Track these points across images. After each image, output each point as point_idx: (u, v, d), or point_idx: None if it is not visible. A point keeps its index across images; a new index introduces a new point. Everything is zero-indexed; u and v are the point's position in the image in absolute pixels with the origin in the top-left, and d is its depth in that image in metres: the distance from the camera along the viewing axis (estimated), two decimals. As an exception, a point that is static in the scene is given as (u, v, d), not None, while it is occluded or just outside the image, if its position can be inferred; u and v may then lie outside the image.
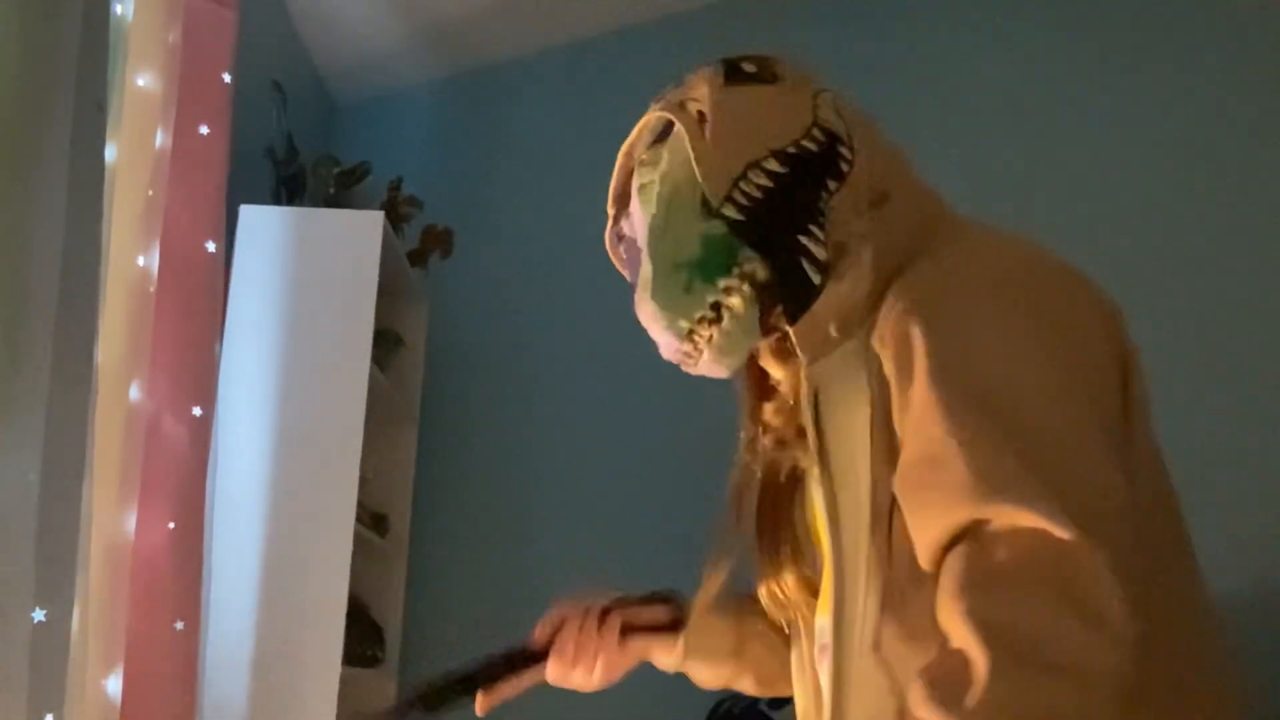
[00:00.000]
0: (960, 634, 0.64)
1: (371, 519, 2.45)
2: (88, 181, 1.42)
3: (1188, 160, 2.63)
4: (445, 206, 2.84)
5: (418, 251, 2.70)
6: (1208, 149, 2.62)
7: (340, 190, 2.48)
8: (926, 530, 0.72)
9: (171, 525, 1.68)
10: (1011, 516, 0.67)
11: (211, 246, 1.80)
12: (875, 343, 0.80)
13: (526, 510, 2.76)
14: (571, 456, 2.74)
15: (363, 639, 2.38)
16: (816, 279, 0.83)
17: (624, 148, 0.98)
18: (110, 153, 1.56)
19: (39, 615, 1.27)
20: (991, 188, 2.77)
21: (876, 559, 0.78)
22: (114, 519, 1.59)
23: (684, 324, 0.87)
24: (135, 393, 1.65)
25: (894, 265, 0.83)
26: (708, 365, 0.89)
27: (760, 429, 0.98)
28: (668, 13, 3.05)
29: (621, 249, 0.99)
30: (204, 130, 1.81)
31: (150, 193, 1.69)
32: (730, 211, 0.84)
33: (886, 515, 0.78)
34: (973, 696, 0.61)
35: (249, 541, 2.07)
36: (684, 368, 0.91)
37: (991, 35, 2.86)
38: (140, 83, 1.70)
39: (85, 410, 1.40)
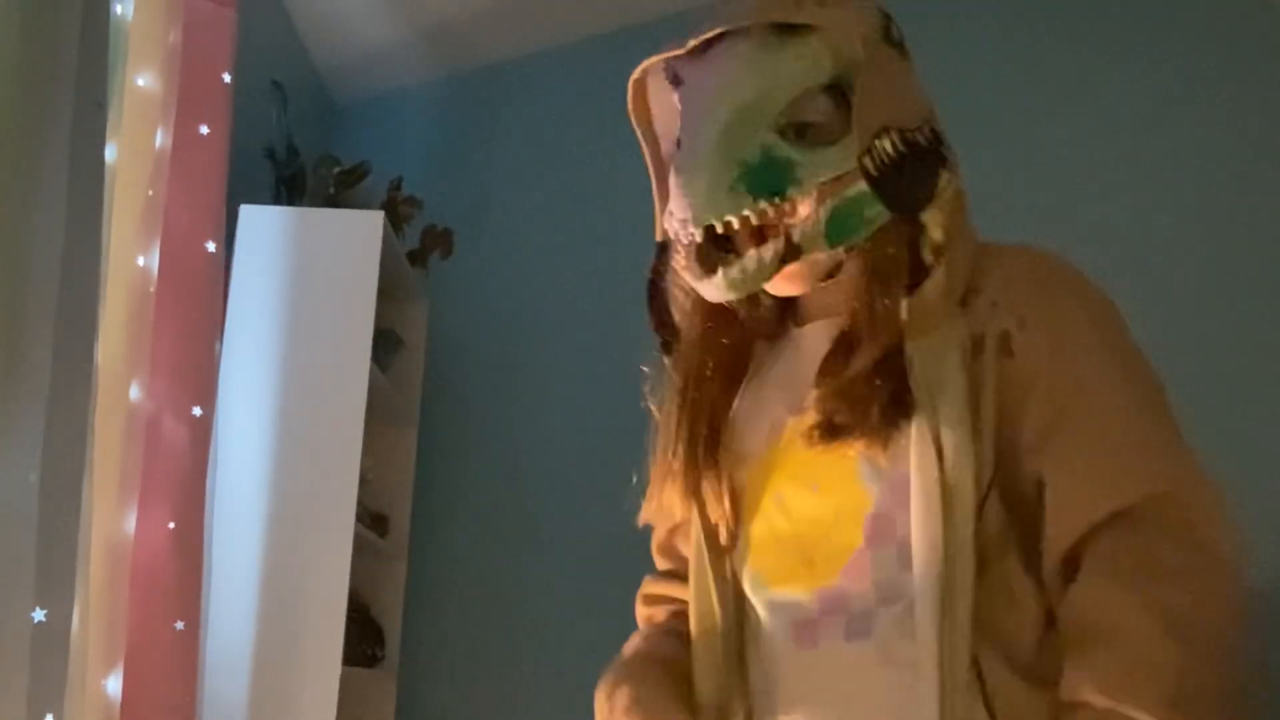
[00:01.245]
0: (1142, 624, 0.73)
1: (371, 519, 2.45)
2: (88, 181, 1.42)
3: (1183, 160, 2.63)
4: (445, 206, 2.84)
5: (418, 251, 2.70)
6: (1204, 148, 2.62)
7: (340, 190, 2.48)
8: (1090, 502, 0.78)
9: (171, 525, 1.68)
10: (1174, 486, 0.79)
11: (211, 246, 1.80)
12: (1007, 322, 0.82)
13: (526, 510, 2.76)
14: (571, 456, 2.74)
15: (363, 639, 2.38)
16: (929, 260, 0.84)
17: None
18: (110, 153, 1.56)
19: (39, 615, 1.27)
20: (989, 186, 2.77)
21: (958, 510, 0.79)
22: (114, 519, 1.59)
23: (707, 212, 0.81)
24: (135, 393, 1.65)
25: (971, 263, 0.87)
26: (716, 291, 0.86)
27: (705, 363, 0.94)
28: (667, 13, 3.05)
29: (673, 92, 0.91)
30: (204, 130, 1.81)
31: (150, 193, 1.69)
32: (867, 163, 0.83)
33: (985, 491, 0.80)
34: (1168, 686, 0.71)
35: (249, 541, 2.07)
36: (679, 267, 0.86)
37: (990, 35, 2.86)
38: (140, 83, 1.70)
39: (85, 410, 1.40)
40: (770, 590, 0.89)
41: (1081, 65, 2.76)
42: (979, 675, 0.75)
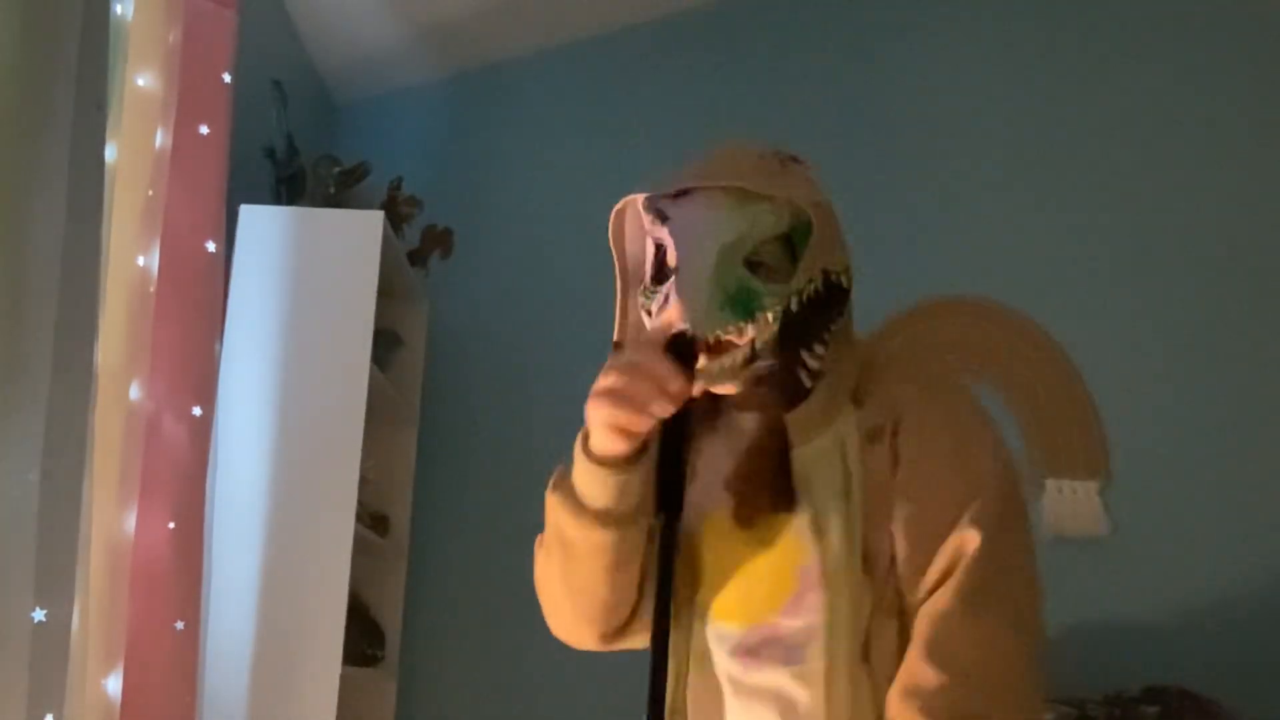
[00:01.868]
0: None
1: (371, 519, 2.45)
2: (88, 181, 1.42)
3: (1183, 162, 2.63)
4: (445, 206, 2.84)
5: (418, 251, 2.70)
6: (1203, 151, 2.62)
7: (340, 190, 2.48)
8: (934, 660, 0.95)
9: (171, 525, 1.68)
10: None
11: (211, 246, 1.80)
12: (880, 420, 1.03)
13: (526, 510, 2.74)
14: (571, 455, 2.73)
15: (363, 639, 2.38)
16: (808, 384, 1.06)
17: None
18: (110, 153, 1.56)
19: (39, 615, 1.27)
20: (985, 184, 2.77)
21: (868, 595, 0.99)
22: (114, 519, 1.59)
23: (703, 321, 1.02)
24: (135, 393, 1.65)
25: (857, 371, 1.09)
26: (714, 379, 1.04)
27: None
28: (668, 13, 3.05)
29: (660, 226, 1.08)
30: (204, 130, 1.81)
31: (150, 193, 1.69)
32: (793, 303, 1.04)
33: (881, 559, 0.99)
34: None
35: (249, 541, 2.07)
36: (675, 326, 1.03)
37: (986, 36, 2.86)
38: (140, 83, 1.70)
39: (85, 410, 1.40)
40: (715, 622, 1.07)
41: (1071, 69, 2.76)
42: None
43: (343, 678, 2.04)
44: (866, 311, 3.01)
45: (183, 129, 1.77)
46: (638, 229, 1.14)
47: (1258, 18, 2.64)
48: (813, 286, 1.05)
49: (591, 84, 3.07)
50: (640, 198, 1.11)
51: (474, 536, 2.76)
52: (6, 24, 1.32)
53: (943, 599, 0.96)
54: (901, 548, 0.99)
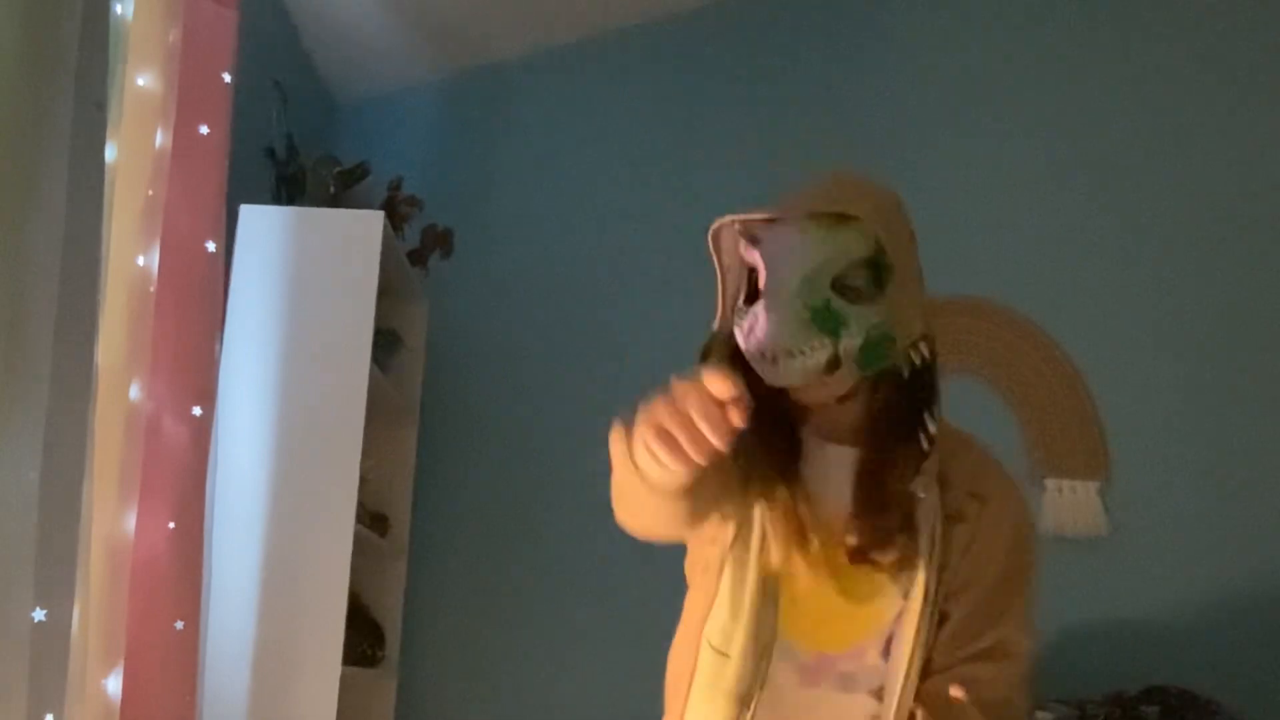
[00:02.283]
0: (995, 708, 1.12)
1: (371, 519, 2.45)
2: (88, 181, 1.42)
3: (1182, 162, 2.63)
4: (445, 206, 2.84)
5: (418, 251, 2.70)
6: (1204, 150, 2.62)
7: (340, 190, 2.48)
8: (991, 629, 1.15)
9: (171, 525, 1.68)
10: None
11: (211, 246, 1.80)
12: (962, 495, 1.18)
13: (526, 510, 2.76)
14: (571, 455, 2.74)
15: (363, 639, 2.38)
16: (926, 448, 1.16)
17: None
18: (110, 153, 1.56)
19: (39, 615, 1.27)
20: (983, 184, 2.77)
21: (925, 635, 1.15)
22: (114, 519, 1.59)
23: (784, 339, 1.09)
24: (135, 393, 1.65)
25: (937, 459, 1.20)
26: (784, 378, 1.11)
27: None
28: (668, 12, 3.05)
29: (752, 249, 1.15)
30: (204, 130, 1.81)
31: (150, 193, 1.69)
32: (915, 357, 1.15)
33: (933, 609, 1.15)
34: None
35: (249, 541, 2.07)
36: (764, 359, 1.10)
37: (984, 36, 2.86)
38: (140, 83, 1.70)
39: (85, 410, 1.40)
40: (791, 643, 1.17)
41: (1072, 59, 2.76)
42: None
43: (343, 678, 2.04)
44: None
45: (183, 129, 1.77)
46: (735, 247, 1.20)
47: (1250, 11, 2.64)
48: (922, 351, 1.16)
49: (591, 84, 3.07)
50: (736, 220, 1.16)
51: (474, 536, 2.76)
52: (6, 24, 1.32)
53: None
54: (959, 615, 1.15)
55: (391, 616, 2.60)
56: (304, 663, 2.02)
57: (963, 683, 1.13)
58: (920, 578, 1.14)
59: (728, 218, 1.17)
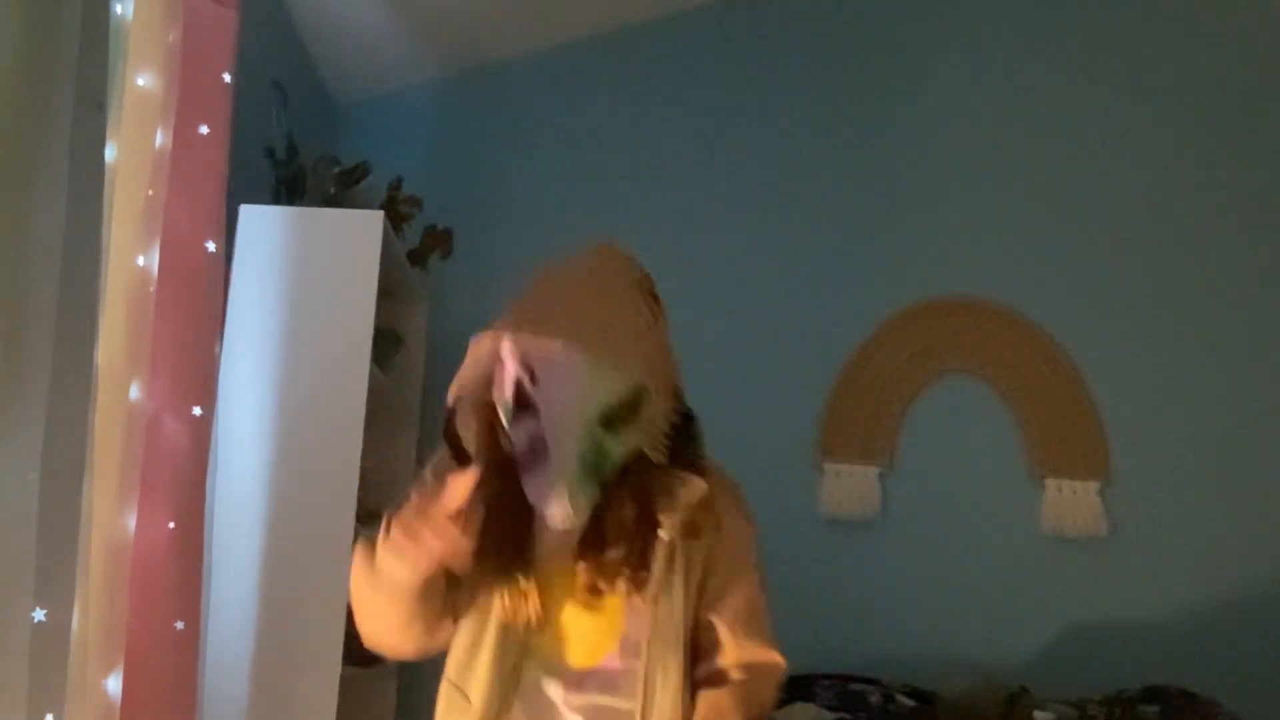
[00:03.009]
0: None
1: (371, 519, 2.45)
2: (88, 181, 1.42)
3: (1182, 161, 2.63)
4: (445, 206, 2.84)
5: (418, 251, 2.70)
6: (1205, 150, 2.62)
7: (340, 190, 2.48)
8: (743, 650, 1.28)
9: (171, 525, 1.68)
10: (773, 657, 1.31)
11: (211, 246, 1.80)
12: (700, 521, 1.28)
13: (526, 510, 2.76)
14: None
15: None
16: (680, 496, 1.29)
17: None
18: (110, 153, 1.56)
19: (39, 615, 1.27)
20: (983, 183, 2.77)
21: (679, 657, 1.25)
22: (114, 519, 1.59)
23: (578, 497, 1.20)
24: (135, 393, 1.65)
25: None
26: (574, 524, 1.22)
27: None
28: (668, 13, 3.05)
29: (532, 386, 1.23)
30: (204, 130, 1.81)
31: (150, 193, 1.69)
32: (659, 452, 1.25)
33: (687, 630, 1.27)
34: None
35: (249, 541, 2.07)
36: (553, 513, 1.21)
37: (982, 39, 2.86)
38: (140, 83, 1.70)
39: (85, 410, 1.40)
40: (553, 662, 1.27)
41: (1069, 66, 2.76)
42: None
43: (343, 678, 2.04)
44: (866, 311, 3.02)
45: (183, 129, 1.77)
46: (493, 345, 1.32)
47: (1244, 26, 2.64)
48: (674, 417, 1.27)
49: (591, 84, 3.07)
50: (508, 340, 1.28)
51: (474, 536, 2.76)
52: (6, 24, 1.32)
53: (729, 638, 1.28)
54: (726, 621, 1.29)
55: (391, 616, 2.59)
56: (304, 663, 2.02)
57: (742, 700, 1.25)
58: (668, 592, 1.24)
59: (499, 333, 1.31)
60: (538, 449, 1.22)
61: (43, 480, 1.28)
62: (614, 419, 1.21)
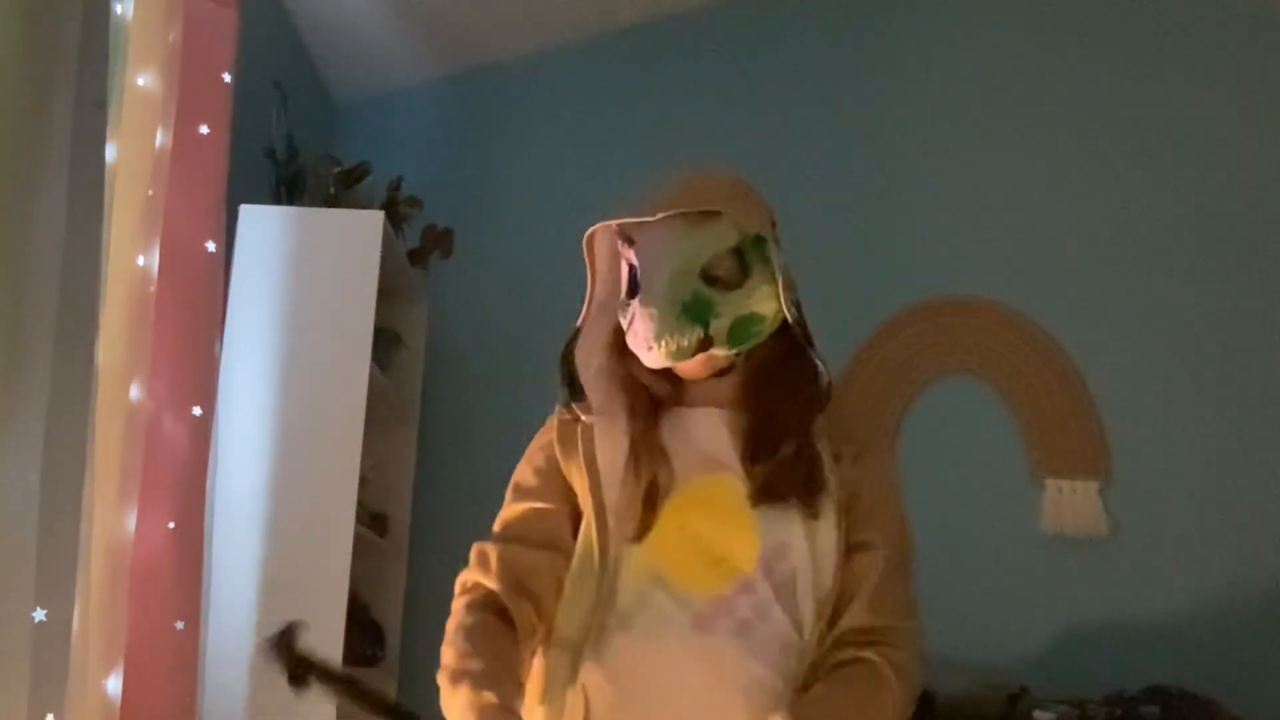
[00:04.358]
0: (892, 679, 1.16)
1: (371, 519, 2.45)
2: (88, 181, 1.42)
3: (1184, 160, 2.63)
4: (445, 206, 2.84)
5: (418, 251, 2.70)
6: (1206, 147, 2.62)
7: (340, 190, 2.48)
8: (884, 608, 1.19)
9: (171, 525, 1.68)
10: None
11: (211, 246, 1.80)
12: (843, 448, 1.27)
13: (526, 510, 2.76)
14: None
15: (363, 639, 2.38)
16: (827, 379, 1.31)
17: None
18: (110, 153, 1.56)
19: (39, 615, 1.27)
20: (984, 182, 2.77)
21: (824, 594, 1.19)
22: (114, 519, 1.59)
23: (664, 331, 1.22)
24: (135, 393, 1.65)
25: None
26: (663, 360, 1.23)
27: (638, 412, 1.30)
28: (668, 13, 3.05)
29: (629, 248, 1.28)
30: (204, 130, 1.81)
31: (150, 192, 1.69)
32: (793, 312, 1.25)
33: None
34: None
35: (249, 541, 2.07)
36: (645, 349, 1.23)
37: (982, 39, 2.86)
38: (140, 83, 1.70)
39: (85, 410, 1.40)
40: (676, 589, 1.19)
41: (1076, 71, 2.76)
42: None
43: (343, 678, 2.04)
44: (865, 310, 3.01)
45: (183, 129, 1.77)
46: (612, 248, 1.36)
47: (1252, 18, 2.64)
48: (793, 311, 1.25)
49: (591, 84, 3.07)
50: (613, 224, 1.31)
51: (474, 536, 2.75)
52: (6, 24, 1.32)
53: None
54: (874, 571, 1.20)
55: (391, 616, 2.60)
56: (304, 663, 2.02)
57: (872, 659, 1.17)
58: (822, 510, 1.20)
59: (602, 223, 1.33)
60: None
61: (43, 480, 1.28)
62: (716, 274, 1.23)
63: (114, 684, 1.56)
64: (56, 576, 1.31)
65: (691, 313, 1.21)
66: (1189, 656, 2.34)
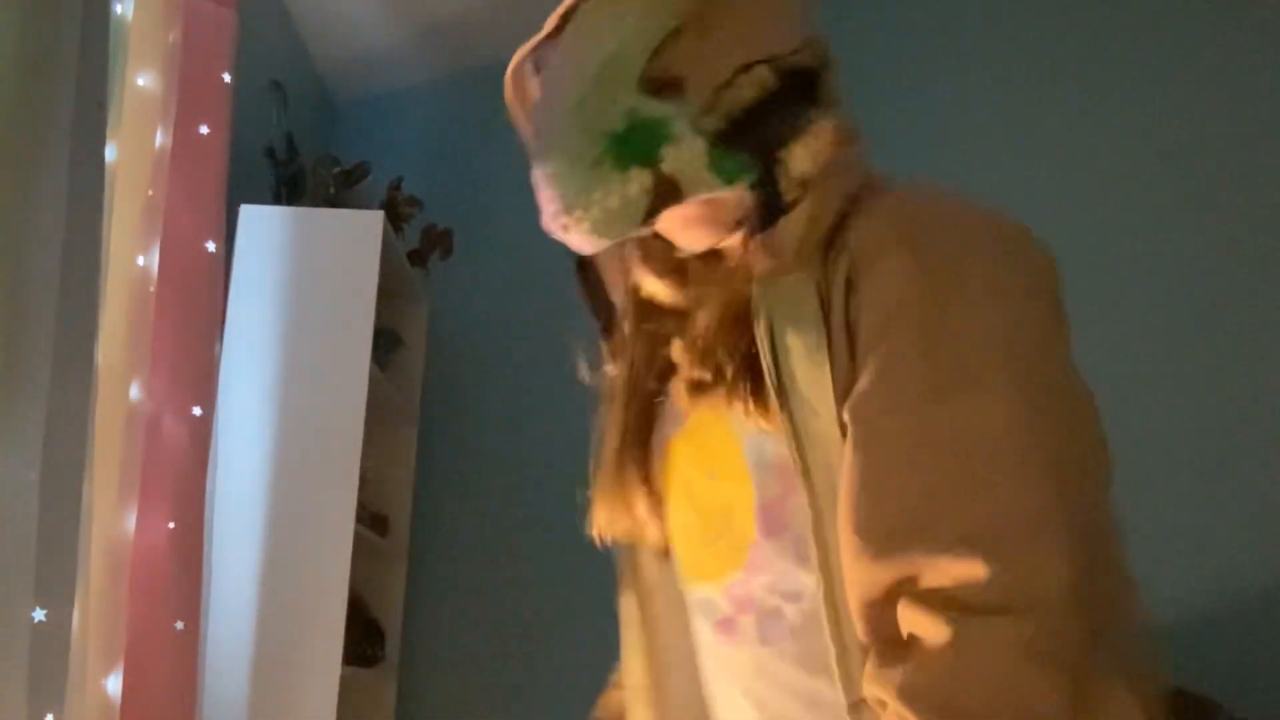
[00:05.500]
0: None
1: (371, 519, 2.45)
2: (88, 181, 1.42)
3: (1181, 163, 2.63)
4: (445, 206, 2.84)
5: (418, 251, 2.70)
6: (1202, 154, 2.62)
7: (340, 190, 2.48)
8: (861, 568, 0.66)
9: (171, 525, 1.68)
10: (952, 572, 0.62)
11: (211, 246, 1.80)
12: (846, 268, 0.73)
13: (526, 510, 2.76)
14: (571, 456, 2.73)
15: (363, 639, 2.38)
16: (790, 196, 0.77)
17: None
18: (110, 153, 1.56)
19: (39, 615, 1.27)
20: (985, 181, 2.77)
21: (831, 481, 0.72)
22: (114, 519, 1.59)
23: (578, 196, 0.78)
24: (135, 393, 1.65)
25: (850, 202, 0.78)
26: (579, 239, 0.81)
27: (637, 355, 0.93)
28: (668, 13, 3.05)
29: (536, 79, 0.89)
30: (204, 130, 1.81)
31: (150, 193, 1.69)
32: (713, 121, 0.76)
33: None
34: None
35: (249, 541, 2.07)
36: (553, 233, 0.82)
37: (981, 39, 2.86)
38: (140, 83, 1.70)
39: (85, 410, 1.40)
40: (690, 585, 0.87)
41: (1072, 69, 2.76)
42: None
43: (343, 678, 2.04)
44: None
45: (183, 129, 1.77)
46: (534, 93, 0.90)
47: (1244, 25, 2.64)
48: (751, 81, 0.76)
49: (591, 84, 3.07)
50: (528, 49, 0.90)
51: (474, 536, 2.76)
52: (7, 24, 1.32)
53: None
54: (855, 485, 0.68)
55: (391, 616, 2.60)
56: (304, 663, 2.02)
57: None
58: (813, 398, 0.71)
59: (519, 51, 0.91)
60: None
61: (43, 480, 1.28)
62: (669, 78, 0.76)
63: (114, 684, 1.56)
64: (56, 576, 1.31)
65: (625, 149, 0.76)
66: (1189, 656, 2.34)
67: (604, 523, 0.98)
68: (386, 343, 2.51)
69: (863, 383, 0.68)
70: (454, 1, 2.84)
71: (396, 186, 2.59)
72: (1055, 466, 0.66)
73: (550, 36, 0.86)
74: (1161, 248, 2.61)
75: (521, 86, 0.95)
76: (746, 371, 0.75)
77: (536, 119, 0.84)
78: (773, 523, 0.77)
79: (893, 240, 0.72)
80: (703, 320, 0.80)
